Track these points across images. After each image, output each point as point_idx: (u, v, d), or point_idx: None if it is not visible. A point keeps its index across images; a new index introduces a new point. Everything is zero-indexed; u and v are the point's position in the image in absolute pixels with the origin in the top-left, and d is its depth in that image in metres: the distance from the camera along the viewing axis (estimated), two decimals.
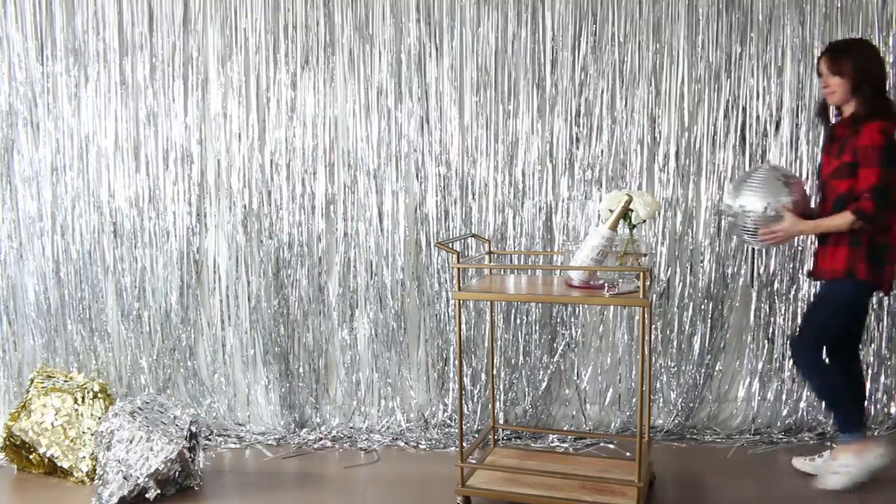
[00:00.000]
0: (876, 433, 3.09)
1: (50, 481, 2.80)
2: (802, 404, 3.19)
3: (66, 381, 2.89)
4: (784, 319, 3.18)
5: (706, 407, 3.21)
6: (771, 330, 3.19)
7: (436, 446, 3.07)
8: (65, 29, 3.17)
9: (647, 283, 2.16)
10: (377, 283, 3.24)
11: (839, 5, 3.05)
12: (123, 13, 3.17)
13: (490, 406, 2.85)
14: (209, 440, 3.13)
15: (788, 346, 3.08)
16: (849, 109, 2.51)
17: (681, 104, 3.13)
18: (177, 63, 3.19)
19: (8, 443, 2.85)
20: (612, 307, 3.18)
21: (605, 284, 2.28)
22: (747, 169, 2.64)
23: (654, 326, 3.16)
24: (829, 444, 2.99)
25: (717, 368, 3.21)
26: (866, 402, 3.02)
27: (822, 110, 2.66)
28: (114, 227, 3.26)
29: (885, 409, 3.19)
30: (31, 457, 2.85)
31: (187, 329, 3.29)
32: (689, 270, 3.17)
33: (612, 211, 2.31)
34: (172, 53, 3.18)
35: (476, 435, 3.08)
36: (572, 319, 3.21)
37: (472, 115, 3.17)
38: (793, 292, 3.17)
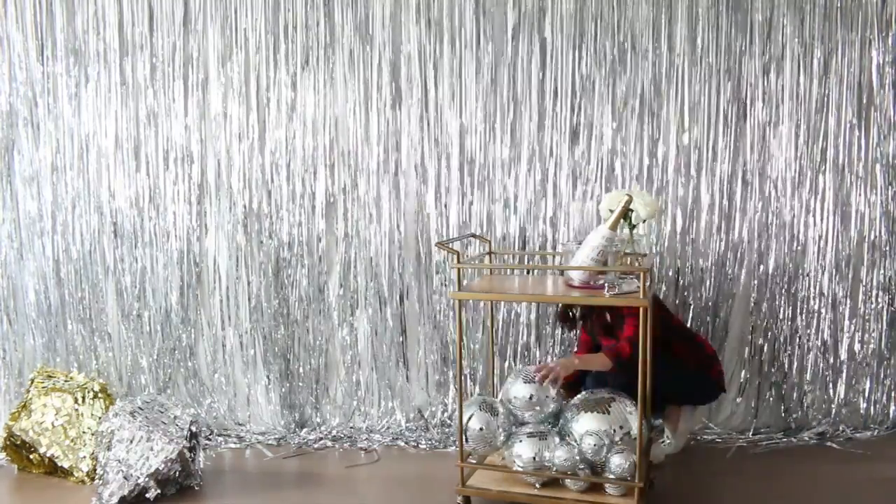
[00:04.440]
0: (876, 433, 3.10)
1: (50, 481, 2.80)
2: (802, 404, 3.18)
3: (66, 381, 2.89)
4: (784, 319, 3.18)
5: (706, 407, 3.20)
6: (771, 329, 3.19)
7: (436, 446, 3.07)
8: (65, 29, 3.18)
9: (647, 284, 2.16)
10: (377, 284, 3.24)
11: (839, 5, 3.05)
12: (123, 13, 3.17)
13: None
14: (209, 440, 3.13)
15: None
16: None
17: (681, 103, 3.12)
18: (177, 63, 3.19)
19: (8, 443, 2.85)
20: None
21: (606, 284, 2.28)
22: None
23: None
24: (828, 443, 3.00)
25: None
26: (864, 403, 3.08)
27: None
28: (114, 227, 3.26)
29: (885, 410, 3.19)
30: (31, 457, 2.85)
31: (187, 329, 3.29)
32: (689, 270, 3.17)
33: (612, 211, 2.31)
34: (172, 53, 3.18)
35: None
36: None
37: (473, 114, 3.17)
38: (793, 291, 3.17)
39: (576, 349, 2.88)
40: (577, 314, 2.76)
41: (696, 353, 2.75)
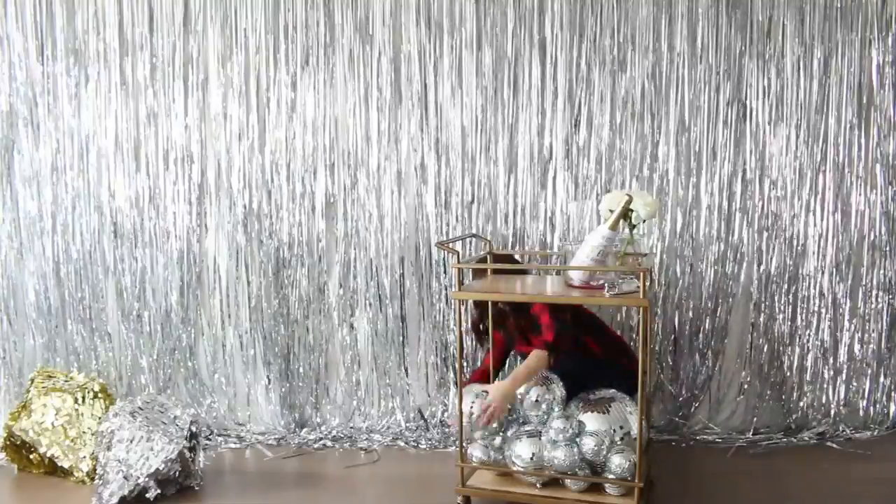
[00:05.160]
0: (876, 433, 3.09)
1: (50, 481, 2.80)
2: (802, 404, 3.19)
3: (66, 381, 2.89)
4: (784, 318, 3.18)
5: (706, 407, 3.21)
6: (771, 329, 3.19)
7: (436, 446, 3.07)
8: (65, 29, 3.18)
9: (647, 283, 2.16)
10: (377, 283, 3.24)
11: (839, 5, 3.05)
12: (123, 13, 3.17)
13: None
14: (209, 440, 3.13)
15: None
16: None
17: (681, 103, 3.12)
18: (177, 63, 3.19)
19: (8, 442, 2.85)
20: (612, 307, 3.17)
21: (606, 284, 2.28)
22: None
23: (653, 326, 3.16)
24: (828, 443, 3.00)
25: (716, 368, 3.21)
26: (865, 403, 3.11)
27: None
28: (114, 227, 3.26)
29: (885, 410, 3.19)
30: (31, 456, 2.85)
31: (187, 329, 3.29)
32: (689, 270, 3.17)
33: (612, 211, 2.31)
34: (172, 53, 3.18)
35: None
36: None
37: (472, 114, 3.17)
38: (793, 291, 3.17)
39: (484, 358, 2.87)
40: (489, 325, 2.75)
41: (611, 346, 2.73)
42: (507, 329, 2.73)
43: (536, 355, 2.47)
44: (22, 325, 3.30)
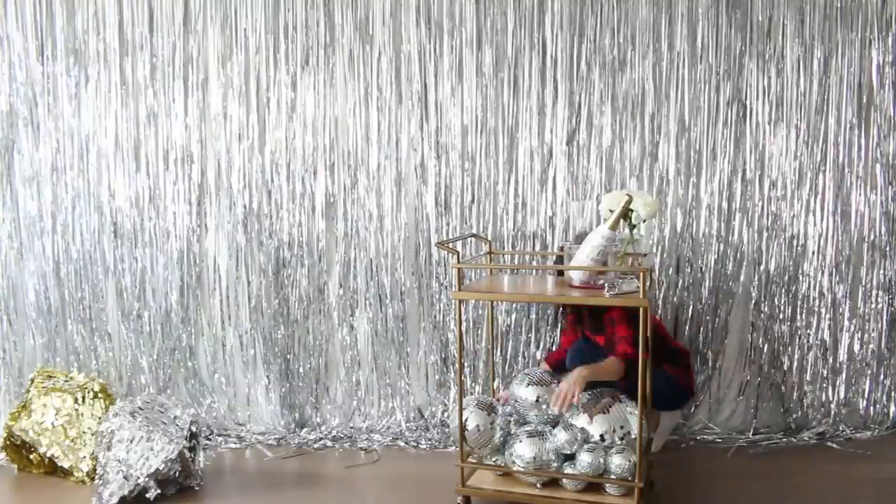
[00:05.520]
0: (876, 433, 3.09)
1: (50, 481, 2.80)
2: (802, 404, 3.19)
3: (66, 381, 2.89)
4: (784, 318, 3.18)
5: (706, 407, 3.21)
6: (771, 329, 3.19)
7: (436, 446, 3.07)
8: (65, 29, 3.18)
9: (647, 283, 2.16)
10: (377, 283, 3.25)
11: (839, 5, 3.05)
12: (124, 13, 3.17)
13: None
14: (209, 440, 3.13)
15: None
16: None
17: (681, 103, 3.12)
18: (177, 63, 3.19)
19: (8, 442, 2.85)
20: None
21: (606, 284, 2.28)
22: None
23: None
24: (828, 443, 3.00)
25: (716, 368, 3.21)
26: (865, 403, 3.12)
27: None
28: (114, 227, 3.26)
29: (885, 410, 3.19)
30: (31, 456, 2.85)
31: (187, 329, 3.29)
32: (689, 270, 3.17)
33: (612, 211, 2.31)
34: (172, 53, 3.18)
35: None
36: None
37: (472, 115, 3.17)
38: (793, 291, 3.17)
39: (557, 344, 2.83)
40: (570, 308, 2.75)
41: (672, 359, 2.75)
42: (584, 317, 2.73)
43: (614, 367, 2.44)
44: (22, 325, 3.30)
